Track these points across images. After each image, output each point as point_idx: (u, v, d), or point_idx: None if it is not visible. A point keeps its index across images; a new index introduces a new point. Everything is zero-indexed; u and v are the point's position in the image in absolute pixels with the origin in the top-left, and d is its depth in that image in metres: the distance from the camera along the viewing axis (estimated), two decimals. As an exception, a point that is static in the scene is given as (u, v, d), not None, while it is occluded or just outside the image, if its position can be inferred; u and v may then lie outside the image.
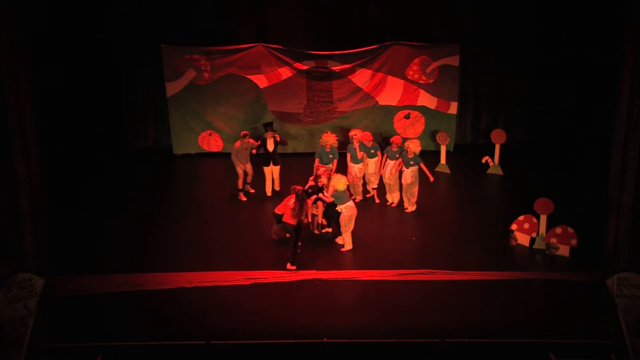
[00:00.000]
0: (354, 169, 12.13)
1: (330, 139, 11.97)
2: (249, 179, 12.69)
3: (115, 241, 10.65)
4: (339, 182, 10.23)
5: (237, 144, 12.45)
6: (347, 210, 10.24)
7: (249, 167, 12.56)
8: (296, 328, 8.07)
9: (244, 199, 12.58)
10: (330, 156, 11.91)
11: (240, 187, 12.56)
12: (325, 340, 7.72)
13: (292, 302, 8.78)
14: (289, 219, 9.71)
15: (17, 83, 7.11)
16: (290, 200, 9.78)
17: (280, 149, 12.94)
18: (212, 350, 7.54)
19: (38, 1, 11.39)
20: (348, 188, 10.72)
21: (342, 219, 10.28)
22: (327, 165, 11.56)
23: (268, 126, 12.65)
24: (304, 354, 7.63)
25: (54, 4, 12.44)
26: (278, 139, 12.55)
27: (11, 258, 7.30)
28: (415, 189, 11.83)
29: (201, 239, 10.71)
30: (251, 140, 12.56)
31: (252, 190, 12.80)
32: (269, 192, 12.68)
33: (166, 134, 15.76)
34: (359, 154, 12.01)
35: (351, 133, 12.22)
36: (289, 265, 9.62)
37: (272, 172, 12.62)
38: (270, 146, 12.46)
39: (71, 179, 12.92)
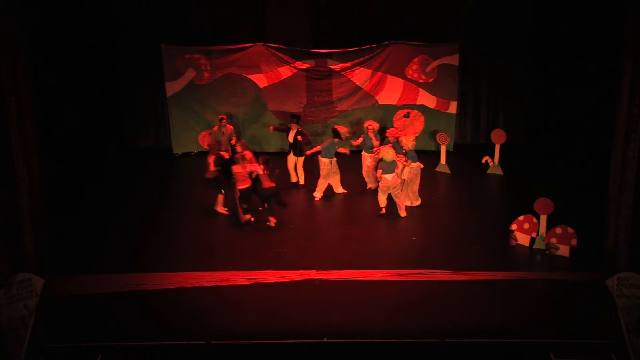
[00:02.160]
0: (368, 159, 12.65)
1: (342, 131, 12.41)
2: None
3: (116, 241, 10.65)
4: (387, 154, 11.27)
5: (215, 127, 13.26)
6: (389, 181, 11.33)
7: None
8: (296, 328, 8.07)
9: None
10: (337, 147, 12.36)
11: None
12: (325, 340, 7.72)
13: (292, 302, 8.77)
14: (269, 183, 10.90)
15: (17, 83, 7.11)
16: (259, 168, 10.91)
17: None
18: (212, 350, 7.55)
19: (38, 1, 11.38)
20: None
21: (381, 187, 11.50)
22: (333, 159, 12.27)
23: (294, 118, 13.11)
24: (304, 354, 7.62)
25: (54, 4, 12.43)
26: (304, 135, 13.05)
27: (11, 258, 7.30)
28: (416, 186, 11.96)
29: (201, 239, 10.71)
30: (229, 127, 13.34)
31: None
32: (292, 179, 13.22)
33: (166, 134, 15.76)
34: (375, 143, 12.56)
35: (366, 124, 12.83)
36: (272, 219, 11.08)
37: (294, 162, 13.09)
38: (291, 137, 12.91)
39: (71, 178, 12.91)
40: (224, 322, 8.25)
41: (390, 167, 11.33)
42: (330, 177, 12.45)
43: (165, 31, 15.03)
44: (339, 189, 12.69)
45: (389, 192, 11.49)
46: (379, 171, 11.37)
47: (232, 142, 13.27)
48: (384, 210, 11.59)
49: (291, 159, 13.07)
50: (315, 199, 12.42)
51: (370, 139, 12.68)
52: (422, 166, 11.94)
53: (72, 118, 13.56)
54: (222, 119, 13.30)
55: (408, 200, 11.98)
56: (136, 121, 15.96)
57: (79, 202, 12.33)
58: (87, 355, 7.49)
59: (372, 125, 12.81)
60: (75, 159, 13.48)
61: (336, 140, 12.25)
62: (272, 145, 15.58)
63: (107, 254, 10.18)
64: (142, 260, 9.88)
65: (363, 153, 12.82)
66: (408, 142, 11.83)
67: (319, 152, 12.32)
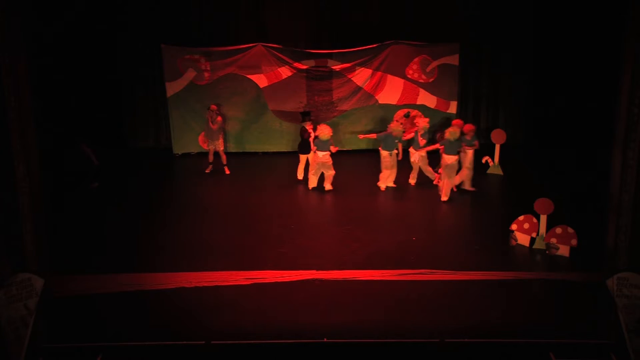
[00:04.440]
0: (415, 155, 13.02)
1: (399, 127, 12.79)
2: (224, 159, 13.88)
3: (116, 241, 10.65)
4: (323, 132, 12.35)
5: (207, 115, 13.86)
6: (320, 158, 12.52)
7: (219, 146, 13.81)
8: (296, 328, 8.07)
9: (207, 171, 14.10)
10: (397, 141, 12.78)
11: (210, 160, 14.05)
12: (325, 340, 7.72)
13: (292, 302, 8.77)
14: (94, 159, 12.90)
15: (17, 83, 7.11)
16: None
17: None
18: (212, 350, 7.54)
19: (38, 1, 11.38)
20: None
21: (313, 163, 12.78)
22: (393, 151, 12.78)
23: (306, 116, 13.39)
24: (304, 354, 7.62)
25: (54, 4, 12.44)
26: (312, 131, 13.26)
27: (11, 258, 7.30)
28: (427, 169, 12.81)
29: (201, 239, 10.71)
30: (219, 118, 13.74)
31: (227, 172, 13.79)
32: (299, 176, 13.47)
33: (166, 134, 15.76)
34: (422, 142, 12.89)
35: (421, 124, 12.99)
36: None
37: (307, 158, 13.37)
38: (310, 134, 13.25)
39: (71, 178, 12.91)
40: (224, 322, 8.25)
41: (324, 145, 12.40)
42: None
43: (165, 31, 15.03)
44: (390, 183, 13.11)
45: (322, 169, 12.58)
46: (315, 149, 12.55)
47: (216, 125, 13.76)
48: (310, 187, 12.87)
49: (304, 157, 13.39)
50: (381, 189, 13.01)
51: (417, 139, 12.92)
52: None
53: (72, 118, 13.55)
54: (211, 109, 13.75)
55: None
56: (136, 121, 15.96)
57: (79, 202, 12.32)
58: (87, 355, 7.49)
59: (420, 124, 13.10)
60: (75, 159, 13.47)
61: (394, 134, 12.64)
62: (273, 145, 15.60)
63: (107, 254, 10.18)
64: (142, 260, 9.88)
65: (411, 149, 13.10)
66: (420, 122, 12.48)
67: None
